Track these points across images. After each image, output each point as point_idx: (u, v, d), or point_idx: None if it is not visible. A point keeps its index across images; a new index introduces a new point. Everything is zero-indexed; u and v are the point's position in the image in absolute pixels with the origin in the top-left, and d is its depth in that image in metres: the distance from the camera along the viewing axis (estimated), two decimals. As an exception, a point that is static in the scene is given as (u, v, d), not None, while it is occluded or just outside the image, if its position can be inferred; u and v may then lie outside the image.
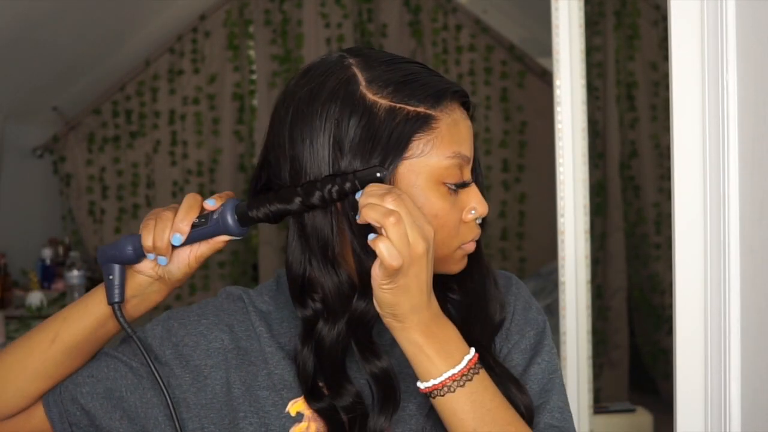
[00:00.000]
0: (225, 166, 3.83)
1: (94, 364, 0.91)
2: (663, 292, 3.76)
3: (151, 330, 0.92)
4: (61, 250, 3.51)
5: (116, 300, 0.87)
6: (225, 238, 0.86)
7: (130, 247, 0.87)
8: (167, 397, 0.85)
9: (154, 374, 0.86)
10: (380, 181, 0.81)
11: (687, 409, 1.28)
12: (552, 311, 2.72)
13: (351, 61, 0.84)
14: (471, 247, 0.88)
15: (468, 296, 0.92)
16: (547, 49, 2.01)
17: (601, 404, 2.86)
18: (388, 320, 0.80)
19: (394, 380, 0.84)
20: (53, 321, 0.89)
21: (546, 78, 3.70)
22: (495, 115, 3.83)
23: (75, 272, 2.90)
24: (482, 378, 0.82)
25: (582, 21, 1.85)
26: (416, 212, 0.78)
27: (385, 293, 0.78)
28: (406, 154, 0.83)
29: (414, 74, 0.85)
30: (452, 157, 0.84)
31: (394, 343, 0.83)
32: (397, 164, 0.82)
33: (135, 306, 0.90)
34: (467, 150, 0.86)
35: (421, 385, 0.81)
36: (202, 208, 0.87)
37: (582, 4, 1.86)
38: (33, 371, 0.89)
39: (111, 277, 0.87)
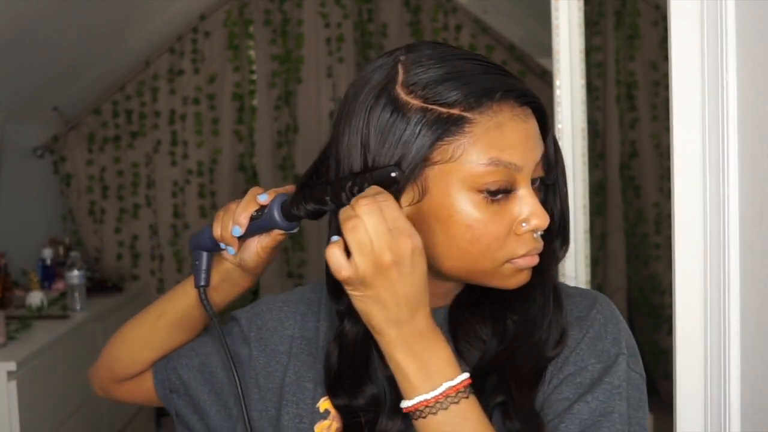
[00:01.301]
0: (225, 166, 3.83)
1: (198, 339, 1.02)
2: (663, 292, 3.76)
3: (245, 311, 1.00)
4: (61, 250, 3.51)
5: (201, 284, 0.94)
6: (280, 231, 0.89)
7: (208, 236, 0.93)
8: (236, 378, 0.90)
9: (227, 357, 0.91)
10: (395, 181, 0.78)
11: (687, 409, 1.28)
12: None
13: (402, 57, 0.81)
14: (526, 262, 0.82)
15: (525, 318, 0.85)
16: (547, 49, 2.00)
17: (601, 404, 2.85)
18: (370, 330, 0.78)
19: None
20: (161, 299, 1.01)
21: (546, 78, 3.69)
22: (495, 115, 3.83)
23: (75, 272, 2.90)
24: (465, 408, 0.76)
25: (582, 21, 1.85)
26: (396, 221, 0.75)
27: (354, 300, 0.77)
28: (435, 158, 0.78)
29: (460, 72, 0.79)
30: (488, 164, 0.78)
31: None
32: (422, 168, 0.79)
33: (227, 290, 0.96)
34: (517, 156, 0.79)
35: (401, 404, 0.78)
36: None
37: (582, 4, 1.86)
38: (144, 342, 1.01)
39: (197, 262, 0.95)
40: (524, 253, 0.81)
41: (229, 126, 3.82)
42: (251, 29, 3.82)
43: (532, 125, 0.81)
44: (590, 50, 3.51)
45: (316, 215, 0.86)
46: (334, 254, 0.75)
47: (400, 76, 0.80)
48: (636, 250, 3.86)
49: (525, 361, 0.83)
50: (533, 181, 0.82)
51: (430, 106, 0.78)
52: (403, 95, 0.79)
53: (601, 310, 0.88)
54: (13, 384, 2.24)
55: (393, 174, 0.78)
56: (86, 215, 3.81)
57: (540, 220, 0.80)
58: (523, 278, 0.83)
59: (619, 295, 3.76)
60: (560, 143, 1.87)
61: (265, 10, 3.78)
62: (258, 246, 0.92)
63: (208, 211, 3.82)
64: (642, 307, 3.88)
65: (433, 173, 0.79)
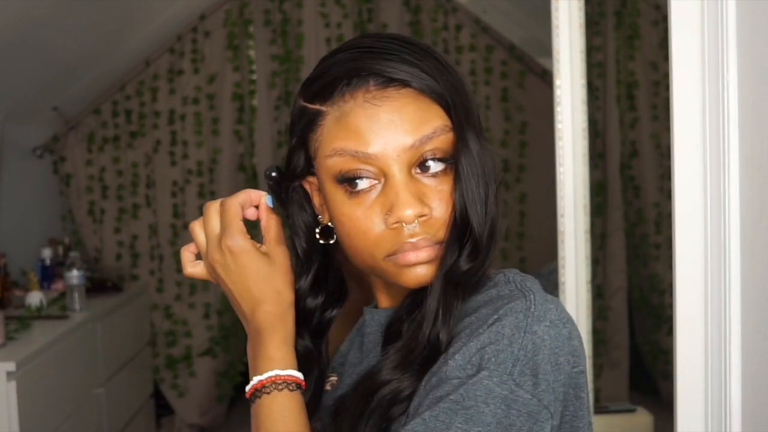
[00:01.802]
0: (225, 166, 3.83)
1: None
2: (663, 292, 3.75)
3: None
4: (60, 250, 3.51)
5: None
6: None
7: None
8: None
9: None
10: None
11: (687, 409, 1.28)
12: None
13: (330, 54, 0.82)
14: (404, 258, 0.75)
15: (415, 318, 0.78)
16: (547, 49, 2.00)
17: (601, 404, 2.85)
18: None
19: (311, 362, 0.88)
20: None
21: (546, 78, 3.69)
22: (495, 115, 3.83)
23: (75, 272, 2.90)
24: (263, 405, 0.79)
25: (582, 21, 1.85)
26: (230, 221, 0.81)
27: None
28: (311, 154, 0.81)
29: (330, 64, 0.78)
30: (332, 154, 0.76)
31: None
32: (313, 162, 0.81)
33: None
34: (363, 143, 0.74)
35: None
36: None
37: (582, 4, 1.86)
38: None
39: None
40: (398, 249, 0.75)
41: (229, 126, 3.82)
42: (251, 29, 3.82)
43: (397, 107, 0.74)
44: (590, 50, 3.51)
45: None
46: (183, 255, 0.86)
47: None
48: (636, 250, 3.85)
49: (409, 358, 0.76)
50: (424, 166, 0.75)
51: (304, 104, 0.80)
52: (298, 96, 0.82)
53: (512, 313, 0.72)
54: (13, 384, 2.24)
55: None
56: (86, 215, 3.80)
57: (404, 209, 0.73)
58: (417, 275, 0.76)
59: (619, 295, 3.76)
60: (560, 143, 1.87)
61: (265, 10, 3.78)
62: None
63: (208, 211, 3.82)
64: (642, 307, 3.88)
65: (316, 169, 0.81)
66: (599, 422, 2.47)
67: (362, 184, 0.76)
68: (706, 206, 1.22)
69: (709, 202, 1.22)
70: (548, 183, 2.00)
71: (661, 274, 3.76)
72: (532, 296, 0.74)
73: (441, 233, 0.76)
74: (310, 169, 0.83)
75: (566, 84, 1.83)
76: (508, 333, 0.71)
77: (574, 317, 1.94)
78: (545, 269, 3.33)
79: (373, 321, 0.87)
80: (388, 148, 0.74)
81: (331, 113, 0.77)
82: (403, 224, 0.74)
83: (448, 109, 0.76)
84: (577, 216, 1.91)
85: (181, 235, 3.82)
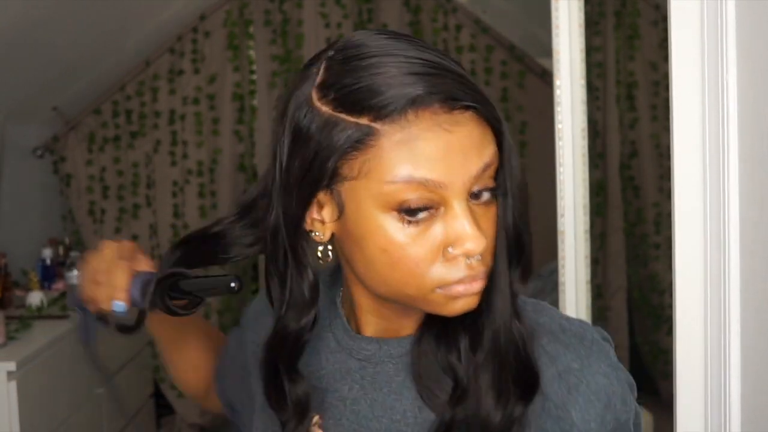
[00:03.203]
0: (225, 166, 3.83)
1: (222, 355, 1.03)
2: (663, 292, 3.76)
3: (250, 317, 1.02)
4: (61, 250, 3.51)
5: (86, 342, 0.98)
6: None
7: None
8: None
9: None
10: (230, 290, 0.83)
11: (687, 409, 1.28)
12: (552, 311, 2.71)
13: (331, 53, 0.73)
14: (460, 291, 0.71)
15: (472, 365, 0.74)
16: (547, 49, 2.00)
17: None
18: None
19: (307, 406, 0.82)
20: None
21: (546, 78, 3.69)
22: (495, 115, 3.83)
23: (75, 272, 2.86)
24: None
25: (582, 21, 1.85)
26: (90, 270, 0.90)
27: None
28: (344, 174, 0.70)
29: (379, 74, 0.68)
30: (393, 182, 0.68)
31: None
32: (334, 182, 0.71)
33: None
34: (437, 171, 0.68)
35: None
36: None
37: (582, 4, 1.86)
38: (176, 370, 1.09)
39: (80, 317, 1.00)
40: (455, 281, 0.71)
41: (229, 126, 3.82)
42: (251, 29, 3.82)
43: (466, 133, 0.69)
44: (590, 50, 3.51)
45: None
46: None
47: (319, 77, 0.71)
48: (636, 250, 3.85)
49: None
50: (476, 195, 0.71)
51: (338, 115, 0.69)
52: (315, 100, 0.71)
53: (597, 361, 0.75)
54: (13, 384, 2.24)
55: (232, 285, 0.82)
56: (86, 215, 3.80)
57: (472, 243, 0.69)
58: (464, 304, 0.72)
59: (619, 295, 3.76)
60: (560, 143, 1.87)
61: (265, 10, 3.78)
62: None
63: (208, 211, 3.82)
64: (642, 307, 3.88)
65: (344, 189, 0.71)
66: (599, 422, 2.47)
67: (423, 213, 0.69)
68: (706, 206, 1.22)
69: (709, 202, 1.22)
70: (548, 183, 2.00)
71: (661, 274, 3.76)
72: (591, 331, 0.79)
73: (489, 262, 0.73)
74: (329, 185, 0.72)
75: (566, 84, 1.83)
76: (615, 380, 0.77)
77: (574, 317, 1.94)
78: (545, 269, 3.33)
79: (389, 351, 0.80)
80: (458, 177, 0.69)
81: (390, 133, 0.67)
82: (466, 257, 0.70)
83: (497, 133, 0.72)
84: (577, 216, 1.91)
85: (181, 234, 3.82)
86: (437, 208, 0.70)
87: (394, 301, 0.76)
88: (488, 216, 0.72)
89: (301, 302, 0.78)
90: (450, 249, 0.70)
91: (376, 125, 0.68)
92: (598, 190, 3.71)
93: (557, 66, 1.84)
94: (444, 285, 0.71)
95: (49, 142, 3.73)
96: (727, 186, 1.17)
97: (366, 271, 0.74)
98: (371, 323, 0.81)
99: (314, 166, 0.70)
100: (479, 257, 0.71)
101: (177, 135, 3.80)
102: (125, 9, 3.24)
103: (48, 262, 3.28)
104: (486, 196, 0.72)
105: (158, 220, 3.83)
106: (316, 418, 0.81)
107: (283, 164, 0.73)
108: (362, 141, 0.68)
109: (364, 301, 0.80)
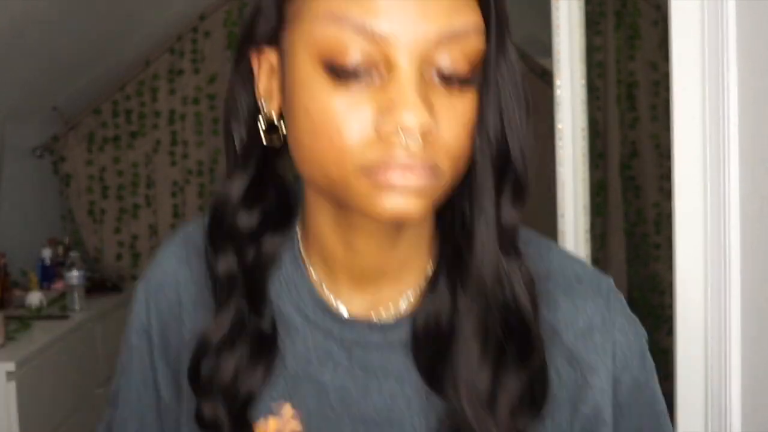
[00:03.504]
0: (225, 166, 3.83)
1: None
2: (663, 292, 3.76)
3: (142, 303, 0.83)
4: (60, 250, 3.51)
5: None
6: None
7: None
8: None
9: None
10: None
11: (687, 409, 1.28)
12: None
13: None
14: (388, 177, 0.55)
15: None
16: (547, 49, 2.00)
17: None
18: None
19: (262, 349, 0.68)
20: None
21: (546, 78, 3.69)
22: (495, 115, 3.83)
23: (75, 272, 2.90)
24: None
25: (582, 21, 1.85)
26: None
27: None
28: (287, 16, 0.59)
29: None
30: (326, 18, 0.55)
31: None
32: (280, 30, 0.60)
33: None
34: (380, 17, 0.54)
35: None
36: None
37: (582, 4, 1.85)
38: None
39: None
40: (379, 161, 0.55)
41: (229, 126, 3.82)
42: (251, 29, 3.82)
43: None
44: (590, 50, 3.51)
45: None
46: None
47: None
48: (636, 250, 3.85)
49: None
50: (445, 78, 0.57)
51: None
52: None
53: (616, 314, 0.69)
54: (13, 384, 2.24)
55: None
56: (86, 215, 3.80)
57: (410, 114, 0.53)
58: (397, 204, 0.56)
59: (619, 295, 3.76)
60: (560, 143, 1.87)
61: (265, 10, 3.78)
62: None
63: (208, 211, 3.82)
64: (642, 307, 3.88)
65: (288, 38, 0.59)
66: (599, 422, 2.47)
67: (357, 68, 0.55)
68: (706, 206, 1.22)
69: (709, 202, 1.22)
70: (548, 183, 2.00)
71: (661, 274, 3.76)
72: (606, 281, 0.70)
73: (444, 163, 0.57)
74: (273, 37, 0.61)
75: (566, 84, 1.83)
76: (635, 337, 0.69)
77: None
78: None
79: (381, 335, 0.67)
80: (405, 31, 0.54)
81: None
82: (401, 134, 0.54)
83: (485, 7, 0.59)
84: (577, 216, 1.90)
85: (181, 235, 3.81)
86: (378, 73, 0.56)
87: (323, 193, 0.62)
88: (455, 107, 0.57)
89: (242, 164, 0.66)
90: (379, 117, 0.55)
91: None
92: (598, 190, 3.71)
93: (557, 66, 1.84)
94: (369, 166, 0.56)
95: (49, 142, 3.72)
96: (727, 186, 1.17)
97: (294, 144, 0.60)
98: (354, 295, 0.67)
99: (259, 7, 0.61)
100: (419, 140, 0.55)
101: (177, 135, 3.80)
102: (125, 9, 3.24)
103: (47, 262, 3.28)
104: (456, 83, 0.57)
105: (158, 220, 3.83)
106: (287, 408, 0.67)
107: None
108: None
109: (326, 231, 0.65)
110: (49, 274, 3.26)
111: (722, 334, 1.19)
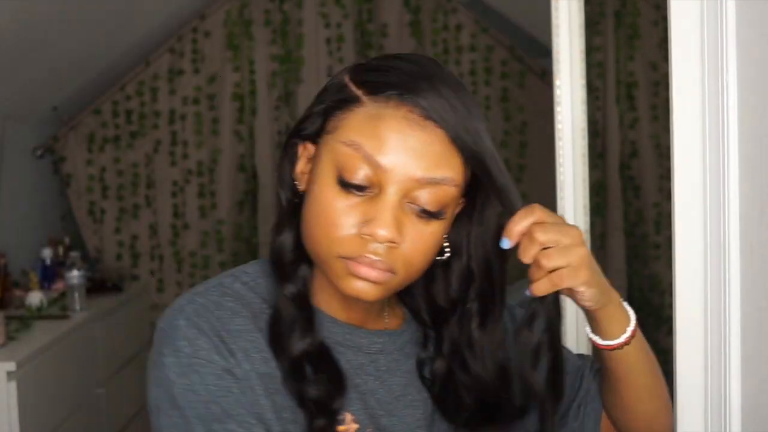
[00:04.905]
0: (225, 166, 3.83)
1: None
2: (663, 292, 3.76)
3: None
4: (61, 250, 3.51)
5: None
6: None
7: None
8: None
9: None
10: None
11: (687, 409, 1.27)
12: (552, 311, 2.71)
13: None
14: (354, 266, 0.77)
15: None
16: (547, 49, 2.00)
17: (601, 404, 2.85)
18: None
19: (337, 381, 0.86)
20: None
21: (546, 78, 3.69)
22: (495, 116, 3.83)
23: (75, 272, 2.90)
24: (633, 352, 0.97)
25: (582, 21, 1.85)
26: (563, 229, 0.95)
27: None
28: (326, 128, 0.81)
29: (396, 68, 0.79)
30: (347, 144, 0.77)
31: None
32: (321, 135, 0.81)
33: None
34: (383, 153, 0.75)
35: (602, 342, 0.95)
36: None
37: (582, 4, 1.85)
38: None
39: None
40: (355, 256, 0.77)
41: (229, 126, 3.82)
42: (251, 29, 3.82)
43: (427, 140, 0.76)
44: (590, 50, 3.51)
45: None
46: None
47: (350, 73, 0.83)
48: (636, 250, 3.85)
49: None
50: (421, 211, 0.78)
51: (348, 82, 0.80)
52: (346, 70, 0.83)
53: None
54: (13, 384, 2.24)
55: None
56: (86, 215, 3.80)
57: (382, 229, 0.75)
58: (360, 289, 0.78)
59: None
60: (560, 143, 1.87)
61: (265, 11, 3.78)
62: None
63: (208, 211, 3.82)
64: (642, 307, 3.88)
65: (322, 142, 0.81)
66: (599, 422, 2.47)
67: (359, 184, 0.77)
68: (706, 206, 1.22)
69: (709, 202, 1.22)
70: (548, 183, 2.00)
71: (661, 274, 3.76)
72: None
73: (400, 269, 0.78)
74: (315, 137, 0.83)
75: (566, 84, 1.83)
76: None
77: (574, 317, 1.94)
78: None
79: (387, 342, 0.91)
80: (398, 169, 0.76)
81: (368, 106, 0.77)
82: (374, 240, 0.76)
83: (466, 171, 0.80)
84: (577, 216, 1.90)
85: (181, 235, 3.82)
86: (372, 190, 0.77)
87: (315, 259, 0.83)
88: (420, 231, 0.78)
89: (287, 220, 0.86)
90: (361, 224, 0.76)
91: (363, 96, 0.78)
92: (598, 190, 3.71)
93: (557, 66, 1.84)
94: (346, 256, 0.77)
95: (49, 142, 3.72)
96: (727, 186, 1.17)
97: (303, 219, 0.81)
98: (335, 305, 0.88)
99: (312, 113, 0.82)
100: (385, 248, 0.76)
101: (177, 135, 3.80)
102: (125, 9, 3.24)
103: (48, 262, 3.28)
104: (426, 215, 0.78)
105: (158, 220, 3.83)
106: (347, 416, 0.83)
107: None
108: (347, 102, 0.78)
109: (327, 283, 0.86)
110: (49, 274, 3.26)
111: (722, 334, 1.19)
